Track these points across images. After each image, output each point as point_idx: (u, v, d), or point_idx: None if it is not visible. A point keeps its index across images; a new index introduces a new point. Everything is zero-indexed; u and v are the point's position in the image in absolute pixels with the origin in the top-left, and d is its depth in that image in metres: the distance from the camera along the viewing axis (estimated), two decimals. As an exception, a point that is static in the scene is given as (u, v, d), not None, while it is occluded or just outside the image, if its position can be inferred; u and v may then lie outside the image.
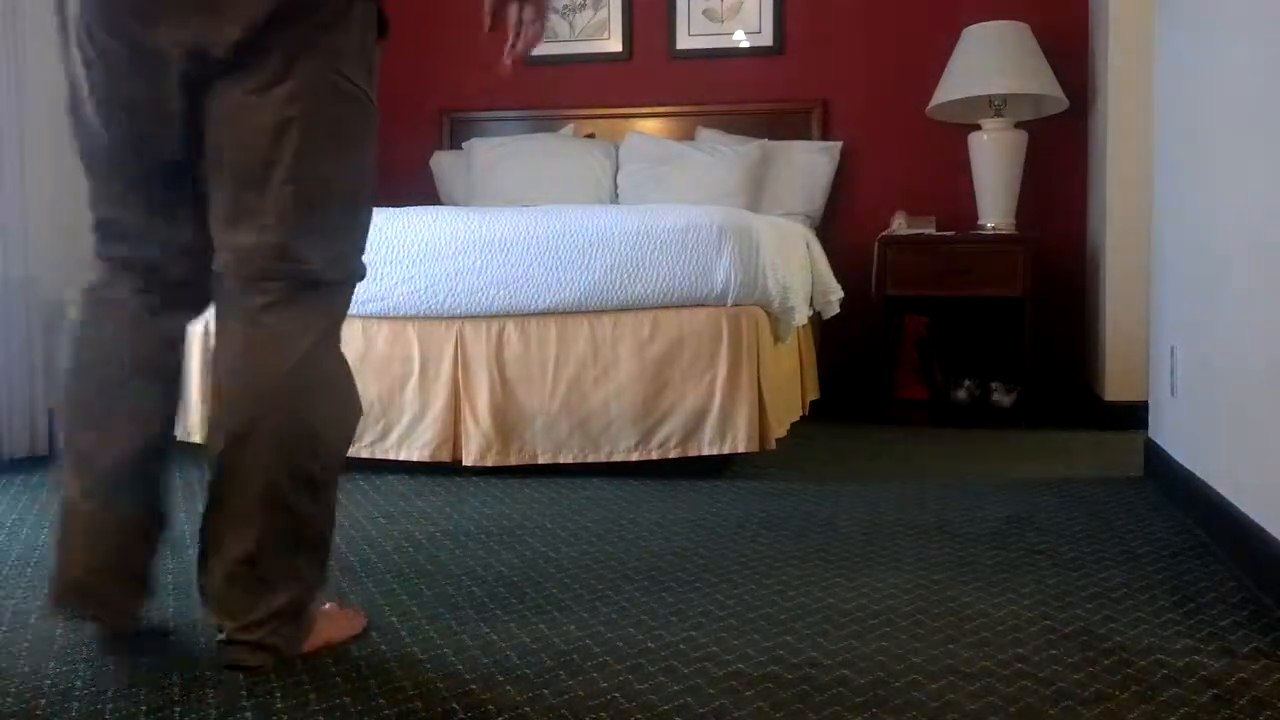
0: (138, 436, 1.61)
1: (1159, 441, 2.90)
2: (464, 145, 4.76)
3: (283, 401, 1.55)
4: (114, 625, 1.65)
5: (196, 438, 3.13)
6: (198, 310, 1.70)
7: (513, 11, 1.78)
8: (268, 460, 1.54)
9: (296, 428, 1.56)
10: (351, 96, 1.58)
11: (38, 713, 1.42)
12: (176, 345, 1.69)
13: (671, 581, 2.00)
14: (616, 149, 4.58)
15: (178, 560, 2.18)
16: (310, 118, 1.53)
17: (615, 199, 4.47)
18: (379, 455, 3.07)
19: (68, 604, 1.61)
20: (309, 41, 1.52)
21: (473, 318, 3.05)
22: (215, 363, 1.61)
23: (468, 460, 3.02)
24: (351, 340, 3.09)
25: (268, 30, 1.49)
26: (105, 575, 1.60)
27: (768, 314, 3.11)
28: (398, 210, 3.16)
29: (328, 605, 1.75)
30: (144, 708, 1.43)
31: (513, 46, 1.79)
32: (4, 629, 1.76)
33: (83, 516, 1.59)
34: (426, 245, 3.04)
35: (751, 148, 4.42)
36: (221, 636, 1.58)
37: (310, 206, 1.56)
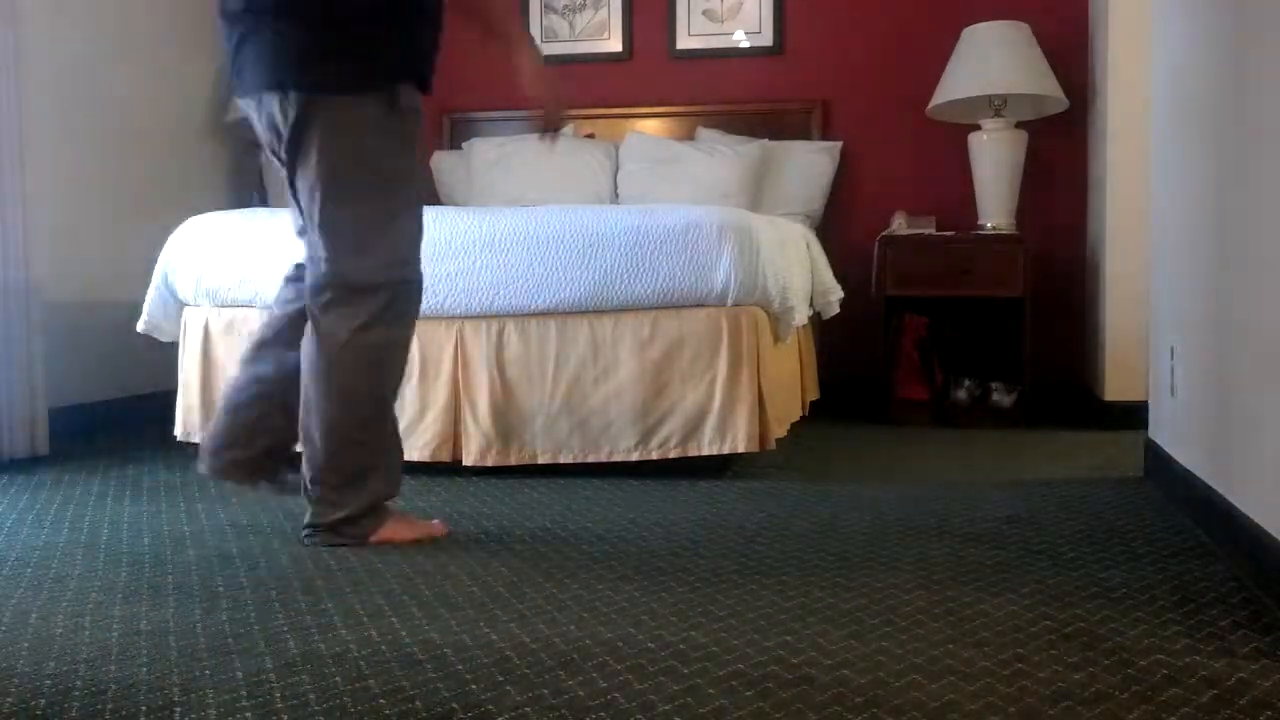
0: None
1: (1159, 442, 2.90)
2: (464, 145, 4.76)
3: (332, 375, 2.24)
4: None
5: (197, 438, 3.13)
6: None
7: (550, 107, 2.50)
8: (324, 412, 2.24)
9: (342, 393, 2.25)
10: (356, 163, 2.22)
11: (37, 712, 1.42)
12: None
13: (671, 581, 2.00)
14: (616, 149, 4.58)
15: (178, 558, 2.18)
16: (326, 184, 2.22)
17: (615, 199, 4.47)
18: (379, 455, 3.07)
19: None
20: (321, 137, 2.20)
21: (472, 318, 3.05)
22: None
23: (468, 460, 3.02)
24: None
25: (293, 138, 2.22)
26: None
27: (768, 314, 3.11)
28: (398, 210, 3.16)
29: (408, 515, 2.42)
30: (144, 708, 1.43)
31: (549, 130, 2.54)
32: (3, 629, 1.76)
33: None
34: (426, 245, 3.00)
35: (752, 148, 4.42)
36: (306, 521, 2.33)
37: (338, 236, 2.24)
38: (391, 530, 2.33)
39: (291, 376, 2.33)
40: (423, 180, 2.39)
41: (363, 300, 2.23)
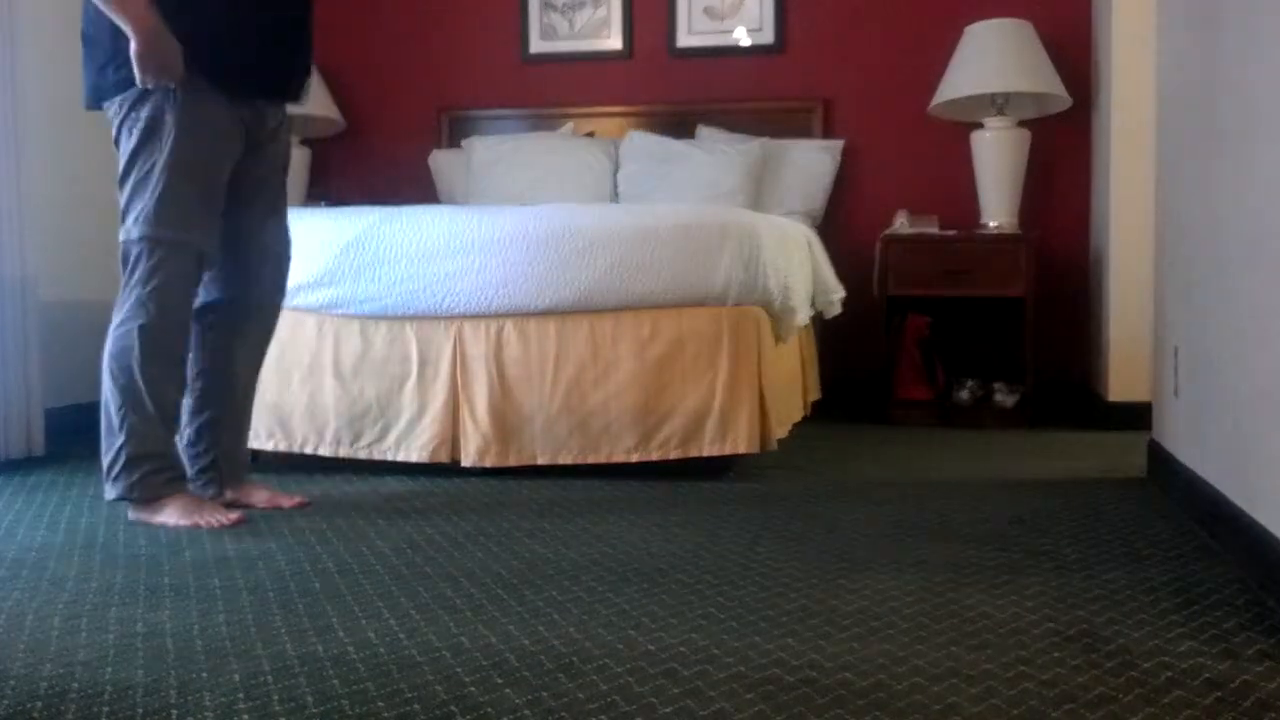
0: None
1: (1162, 442, 2.89)
2: (463, 144, 4.74)
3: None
4: None
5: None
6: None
7: None
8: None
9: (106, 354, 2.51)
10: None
11: (34, 715, 1.42)
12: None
13: (671, 584, 1.99)
14: (616, 147, 4.57)
15: (175, 560, 2.17)
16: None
17: (615, 198, 4.45)
18: (377, 456, 3.06)
19: None
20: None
21: (471, 317, 3.04)
22: None
23: (466, 461, 3.01)
24: (349, 339, 3.09)
25: None
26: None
27: (769, 314, 3.09)
28: (396, 209, 3.15)
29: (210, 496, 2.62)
30: (141, 710, 1.42)
31: None
32: (0, 631, 1.75)
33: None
34: (425, 244, 3.02)
35: (752, 146, 4.40)
36: None
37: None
38: (168, 516, 2.47)
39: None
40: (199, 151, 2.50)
41: (124, 271, 2.48)
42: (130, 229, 2.46)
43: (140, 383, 2.46)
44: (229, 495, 2.66)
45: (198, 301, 2.60)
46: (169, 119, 2.43)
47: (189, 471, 2.66)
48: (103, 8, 2.41)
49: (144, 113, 2.44)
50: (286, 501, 2.68)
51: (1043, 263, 4.30)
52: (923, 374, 4.25)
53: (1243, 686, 1.48)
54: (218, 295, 2.63)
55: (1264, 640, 1.66)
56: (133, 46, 2.38)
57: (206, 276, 2.59)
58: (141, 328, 2.44)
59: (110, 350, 2.49)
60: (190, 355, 2.62)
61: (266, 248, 2.67)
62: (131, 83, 2.43)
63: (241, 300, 2.66)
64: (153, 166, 2.44)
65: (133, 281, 2.46)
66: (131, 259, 2.46)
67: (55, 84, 3.86)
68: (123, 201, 2.48)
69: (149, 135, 2.44)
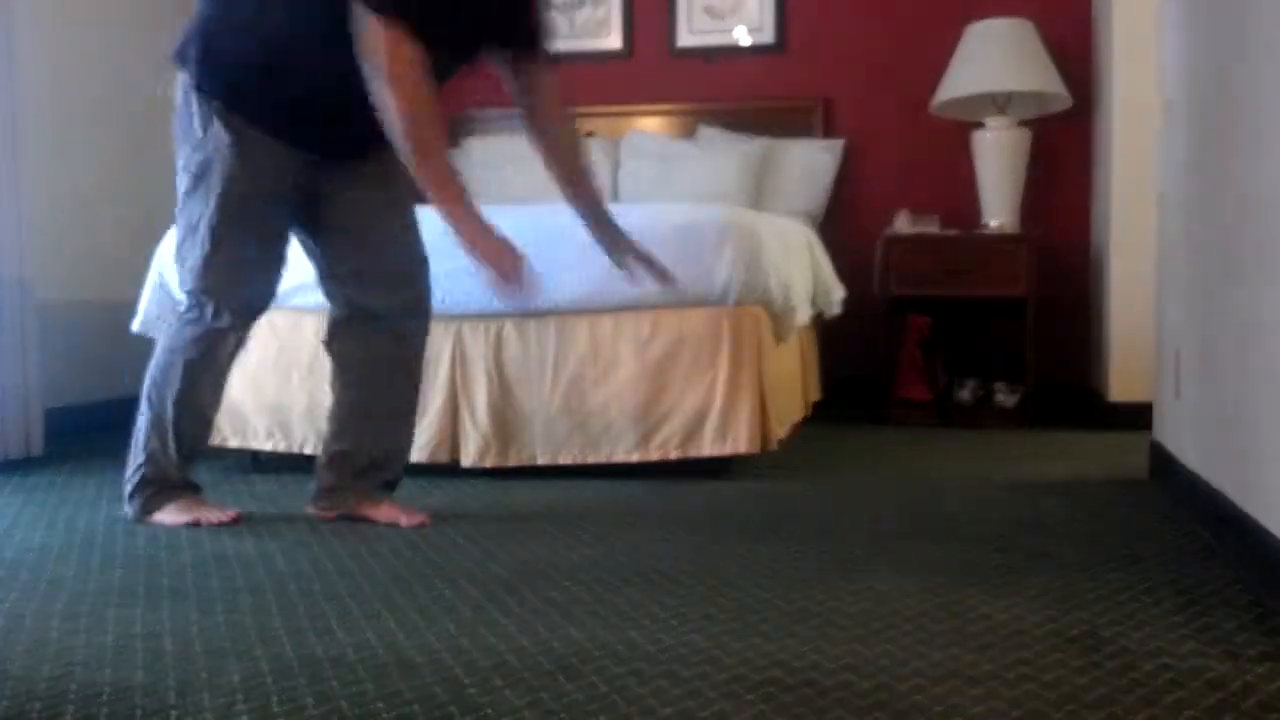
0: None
1: (1163, 443, 2.89)
2: (461, 144, 4.74)
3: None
4: None
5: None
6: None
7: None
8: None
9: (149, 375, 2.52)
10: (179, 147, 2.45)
11: (32, 716, 1.41)
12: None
13: (672, 584, 1.98)
14: (616, 147, 4.56)
15: (174, 561, 2.16)
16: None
17: (615, 198, 4.45)
18: (378, 456, 3.05)
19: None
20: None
21: (470, 317, 3.04)
22: None
23: (465, 461, 3.01)
24: (350, 340, 3.07)
25: None
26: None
27: (769, 314, 3.09)
28: (397, 209, 3.14)
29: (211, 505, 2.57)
30: (140, 711, 1.42)
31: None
32: (-2, 632, 1.75)
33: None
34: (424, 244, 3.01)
35: (753, 146, 4.40)
36: None
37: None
38: (167, 515, 2.50)
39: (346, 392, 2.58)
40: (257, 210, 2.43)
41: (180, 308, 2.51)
42: (184, 277, 2.46)
43: (170, 418, 2.47)
44: (328, 505, 2.55)
45: (343, 308, 2.55)
46: (217, 169, 2.36)
47: (314, 491, 2.58)
48: (438, 209, 2.31)
49: (198, 157, 2.39)
50: (405, 520, 2.49)
51: (1043, 262, 4.29)
52: (923, 374, 4.24)
53: (1244, 688, 1.48)
54: (368, 303, 2.54)
55: (1265, 642, 1.66)
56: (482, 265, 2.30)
57: (357, 288, 2.53)
58: (188, 363, 2.46)
59: (152, 372, 2.49)
60: (333, 371, 2.58)
61: (411, 251, 2.59)
62: (203, 121, 2.37)
63: (399, 307, 2.56)
64: (200, 218, 2.39)
65: (186, 318, 2.47)
66: (185, 301, 2.47)
67: (55, 84, 3.86)
68: (178, 236, 2.45)
69: (199, 180, 2.39)
